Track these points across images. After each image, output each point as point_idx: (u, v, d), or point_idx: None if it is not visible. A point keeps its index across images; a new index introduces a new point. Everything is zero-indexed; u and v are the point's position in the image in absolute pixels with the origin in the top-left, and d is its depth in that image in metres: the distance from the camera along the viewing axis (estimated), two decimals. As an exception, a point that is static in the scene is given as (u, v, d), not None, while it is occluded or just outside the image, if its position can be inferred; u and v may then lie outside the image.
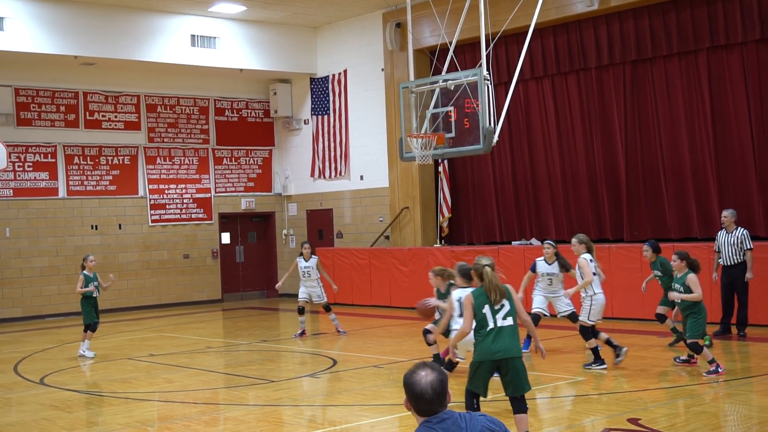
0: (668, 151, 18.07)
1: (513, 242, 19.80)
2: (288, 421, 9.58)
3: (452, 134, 15.40)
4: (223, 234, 24.90)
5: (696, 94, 17.60)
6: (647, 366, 11.92)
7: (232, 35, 22.84)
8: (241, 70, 23.39)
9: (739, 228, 14.38)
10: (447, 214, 21.37)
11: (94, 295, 14.79)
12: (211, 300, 23.90)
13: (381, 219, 22.70)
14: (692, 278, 11.13)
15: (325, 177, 24.22)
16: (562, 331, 15.72)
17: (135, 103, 23.28)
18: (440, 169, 21.42)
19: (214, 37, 22.50)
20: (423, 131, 15.64)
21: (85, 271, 14.79)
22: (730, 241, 14.32)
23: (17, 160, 21.37)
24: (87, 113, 22.53)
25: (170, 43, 21.84)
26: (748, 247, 14.24)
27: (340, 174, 23.72)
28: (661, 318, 13.18)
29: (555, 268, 12.88)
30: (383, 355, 13.57)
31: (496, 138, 14.77)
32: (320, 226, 24.55)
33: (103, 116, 22.79)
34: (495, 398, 10.05)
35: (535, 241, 19.52)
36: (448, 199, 21.38)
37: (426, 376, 4.13)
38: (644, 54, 18.16)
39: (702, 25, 17.25)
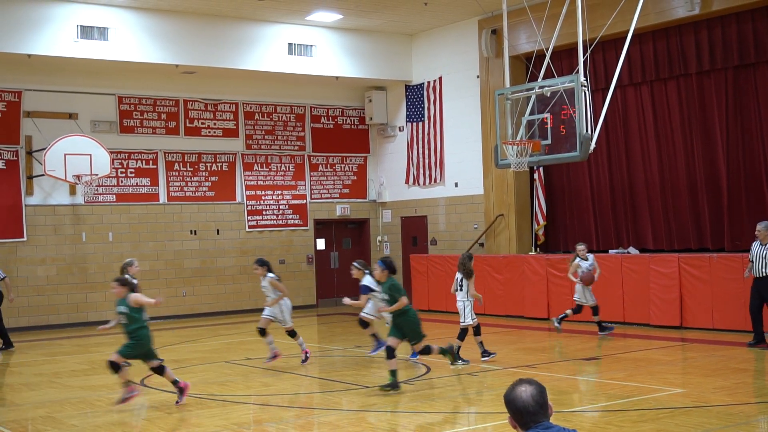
0: (772, 159, 17.57)
1: (610, 251, 19.50)
2: (381, 427, 9.61)
3: (548, 141, 15.32)
4: (318, 240, 25.13)
5: (802, 99, 17.08)
6: (749, 379, 11.60)
7: (329, 43, 23.06)
8: (336, 77, 23.60)
9: None
10: (542, 222, 21.18)
11: None
12: (307, 305, 24.14)
13: (476, 226, 22.61)
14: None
15: (419, 184, 24.25)
16: (660, 342, 15.44)
17: (233, 110, 23.69)
18: (536, 176, 21.24)
19: (311, 45, 22.76)
20: (519, 138, 15.57)
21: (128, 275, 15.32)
22: (762, 253, 14.14)
23: (120, 166, 21.95)
24: (187, 120, 23.01)
25: (268, 52, 22.17)
26: None
27: (435, 181, 23.72)
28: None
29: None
30: (478, 362, 13.49)
31: (593, 145, 14.62)
32: (414, 233, 24.58)
33: (202, 123, 23.26)
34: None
35: (633, 250, 19.19)
36: (544, 207, 21.17)
37: (526, 390, 4.23)
38: (747, 59, 17.69)
39: (808, 28, 16.75)
